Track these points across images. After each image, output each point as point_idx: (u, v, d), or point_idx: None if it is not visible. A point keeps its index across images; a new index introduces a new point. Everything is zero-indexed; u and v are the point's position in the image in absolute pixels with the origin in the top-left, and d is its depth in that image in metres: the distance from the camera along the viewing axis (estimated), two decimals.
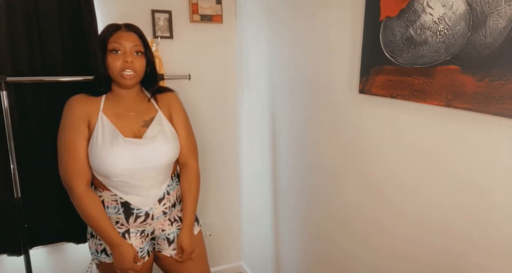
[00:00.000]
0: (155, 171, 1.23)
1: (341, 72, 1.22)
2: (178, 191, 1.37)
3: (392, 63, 0.97)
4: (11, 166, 1.62)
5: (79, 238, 1.89)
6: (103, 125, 1.18)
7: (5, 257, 1.80)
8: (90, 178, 1.23)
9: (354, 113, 1.18)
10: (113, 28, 1.19)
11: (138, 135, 1.23)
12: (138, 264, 1.26)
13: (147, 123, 1.25)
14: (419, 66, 0.89)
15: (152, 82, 1.31)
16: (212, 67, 2.07)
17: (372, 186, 1.14)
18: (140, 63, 1.20)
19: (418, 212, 0.97)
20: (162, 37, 1.93)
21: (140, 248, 1.29)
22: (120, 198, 1.21)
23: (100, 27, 1.79)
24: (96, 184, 1.25)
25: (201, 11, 1.97)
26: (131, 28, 1.22)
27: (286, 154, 1.67)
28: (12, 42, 1.61)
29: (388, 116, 1.04)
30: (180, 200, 1.39)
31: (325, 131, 1.35)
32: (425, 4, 0.86)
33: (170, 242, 1.35)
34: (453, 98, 0.81)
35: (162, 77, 1.83)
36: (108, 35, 1.18)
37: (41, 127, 1.72)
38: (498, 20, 0.71)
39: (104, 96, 1.25)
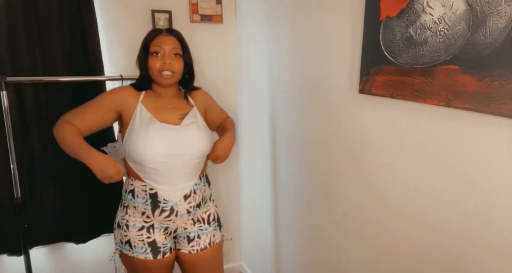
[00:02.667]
0: (186, 162, 1.29)
1: (341, 72, 1.22)
2: (204, 191, 1.41)
3: (392, 63, 0.97)
4: (11, 166, 1.62)
5: (79, 238, 1.90)
6: (141, 114, 1.27)
7: (5, 257, 1.80)
8: (80, 133, 1.29)
9: (354, 113, 1.18)
10: (155, 33, 1.30)
11: (175, 124, 1.31)
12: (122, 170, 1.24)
13: (183, 116, 1.33)
14: (419, 66, 0.89)
15: (188, 82, 1.40)
16: (212, 67, 2.07)
17: (372, 185, 1.14)
18: (178, 65, 1.28)
19: (418, 212, 0.97)
20: None
21: (163, 244, 1.35)
22: (150, 189, 1.27)
23: (100, 27, 1.80)
24: (129, 173, 1.33)
25: (201, 11, 1.97)
26: (171, 32, 1.31)
27: (286, 154, 1.67)
28: (12, 42, 1.61)
29: (388, 116, 1.04)
30: (205, 201, 1.43)
31: (325, 131, 1.35)
32: (425, 4, 0.86)
33: (189, 240, 1.39)
34: (453, 98, 0.81)
35: None
36: (150, 39, 1.28)
37: (41, 127, 1.72)
38: (498, 20, 0.71)
39: (144, 92, 1.34)
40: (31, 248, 1.77)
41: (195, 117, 1.34)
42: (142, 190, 1.29)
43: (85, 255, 2.05)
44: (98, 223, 1.92)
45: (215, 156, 1.39)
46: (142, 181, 1.29)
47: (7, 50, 1.60)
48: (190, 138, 1.29)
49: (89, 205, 1.88)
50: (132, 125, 1.25)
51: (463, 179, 0.84)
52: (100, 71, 1.78)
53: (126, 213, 1.35)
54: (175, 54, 1.28)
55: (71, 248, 1.99)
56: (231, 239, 1.68)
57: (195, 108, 1.38)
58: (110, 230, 1.98)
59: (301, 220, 1.61)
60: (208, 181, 1.46)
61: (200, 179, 1.39)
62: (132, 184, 1.31)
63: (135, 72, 1.93)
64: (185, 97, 1.40)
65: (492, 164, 0.77)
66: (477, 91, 0.76)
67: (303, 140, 1.50)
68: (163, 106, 1.32)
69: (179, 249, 1.42)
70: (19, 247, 1.70)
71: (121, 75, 1.77)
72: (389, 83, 0.98)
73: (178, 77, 1.32)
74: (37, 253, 1.91)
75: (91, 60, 1.74)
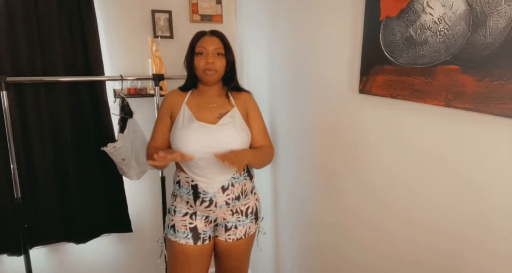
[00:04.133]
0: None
1: (341, 72, 1.22)
2: (244, 185, 1.45)
3: (392, 63, 0.96)
4: (11, 166, 1.62)
5: (79, 238, 1.90)
6: (184, 113, 1.40)
7: (5, 257, 1.80)
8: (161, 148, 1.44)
9: (354, 114, 1.18)
10: (199, 35, 1.41)
11: (212, 123, 1.39)
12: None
13: (221, 115, 1.41)
14: (419, 66, 0.89)
15: (231, 79, 1.48)
16: None
17: (372, 185, 1.14)
18: (220, 63, 1.38)
19: (417, 213, 0.97)
20: (162, 37, 1.94)
21: (203, 231, 1.44)
22: (192, 180, 1.39)
23: (100, 27, 1.80)
24: (176, 165, 1.46)
25: (201, 11, 1.97)
26: (214, 33, 1.41)
27: (285, 154, 1.67)
28: (12, 42, 1.61)
29: (388, 116, 1.04)
30: (246, 194, 1.47)
31: (325, 131, 1.35)
32: (425, 4, 0.86)
33: (227, 229, 1.47)
34: (453, 98, 0.81)
35: (162, 77, 1.83)
36: (195, 41, 1.40)
37: (41, 127, 1.72)
38: (498, 20, 0.71)
39: (190, 91, 1.47)
40: (31, 248, 1.77)
41: (233, 118, 1.41)
42: (185, 181, 1.41)
43: (85, 255, 2.05)
44: (98, 223, 1.92)
45: (223, 156, 1.34)
46: (186, 173, 1.40)
47: (7, 50, 1.61)
48: (224, 136, 1.37)
49: (89, 205, 1.88)
50: (176, 124, 1.39)
51: (463, 179, 0.84)
52: (100, 71, 1.78)
53: (175, 200, 1.47)
54: (218, 54, 1.38)
55: (71, 248, 1.99)
56: (265, 233, 1.75)
57: (235, 108, 1.44)
58: (110, 230, 1.99)
59: (301, 220, 1.61)
60: (250, 175, 1.50)
61: (240, 173, 1.44)
62: (178, 176, 1.44)
63: (135, 72, 1.94)
64: (227, 96, 1.47)
65: (492, 164, 0.77)
66: (477, 91, 0.76)
67: (303, 140, 1.50)
68: (205, 105, 1.43)
69: (216, 236, 1.50)
70: (19, 247, 1.70)
71: (121, 75, 1.77)
72: (389, 83, 0.98)
73: (221, 75, 1.41)
74: (37, 253, 1.91)
75: (91, 60, 1.75)
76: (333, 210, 1.36)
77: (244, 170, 1.46)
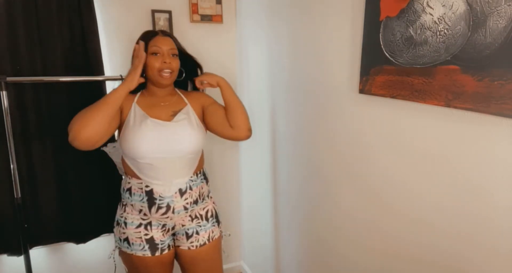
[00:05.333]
0: (178, 158, 1.31)
1: (341, 72, 1.22)
2: (202, 188, 1.41)
3: (392, 63, 0.97)
4: (11, 166, 1.62)
5: (79, 238, 1.90)
6: (135, 112, 1.32)
7: (5, 257, 1.80)
8: None
9: (354, 114, 1.18)
10: (151, 34, 1.34)
11: (166, 120, 1.34)
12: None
13: (175, 113, 1.36)
14: (419, 66, 0.89)
15: (194, 73, 1.45)
16: (212, 67, 2.06)
17: (371, 185, 1.14)
18: (175, 64, 1.34)
19: (417, 213, 0.97)
20: None
21: (161, 241, 1.37)
22: (146, 186, 1.31)
23: (100, 27, 1.80)
24: (127, 171, 1.37)
25: (201, 11, 1.97)
26: (165, 33, 1.37)
27: (286, 154, 1.67)
28: (12, 42, 1.61)
29: (388, 116, 1.04)
30: (203, 198, 1.43)
31: (325, 131, 1.35)
32: (425, 4, 0.86)
33: (188, 237, 1.41)
34: (453, 98, 0.81)
35: None
36: (147, 40, 1.32)
37: (41, 127, 1.72)
38: (498, 20, 0.71)
39: (139, 93, 1.39)
40: (31, 248, 1.77)
41: (187, 114, 1.36)
42: (138, 188, 1.32)
43: (85, 255, 2.05)
44: (98, 223, 1.92)
45: (202, 76, 1.41)
46: (138, 178, 1.32)
47: (7, 50, 1.60)
48: (181, 133, 1.31)
49: (89, 205, 1.88)
50: (127, 124, 1.30)
51: (463, 179, 0.84)
52: (100, 71, 1.78)
53: (125, 211, 1.38)
54: (173, 54, 1.33)
55: (71, 248, 1.99)
56: (229, 235, 1.69)
57: (189, 106, 1.40)
58: (110, 230, 1.98)
59: (301, 220, 1.61)
60: (206, 178, 1.46)
61: (197, 175, 1.40)
62: (129, 182, 1.35)
63: None
64: (179, 95, 1.42)
65: (492, 164, 0.77)
66: (477, 91, 0.76)
67: (303, 140, 1.50)
68: (157, 104, 1.36)
69: (178, 246, 1.43)
70: (19, 247, 1.70)
71: (121, 75, 1.77)
72: (389, 83, 0.98)
73: (175, 76, 1.36)
74: (37, 253, 1.91)
75: (91, 60, 1.74)
76: (333, 210, 1.36)
77: (200, 172, 1.42)
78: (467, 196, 0.83)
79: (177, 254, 1.46)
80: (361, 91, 1.10)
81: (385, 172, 1.07)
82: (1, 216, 1.71)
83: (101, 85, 1.80)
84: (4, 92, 1.56)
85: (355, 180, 1.21)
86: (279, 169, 1.76)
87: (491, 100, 0.73)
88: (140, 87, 1.37)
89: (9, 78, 1.56)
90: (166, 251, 1.39)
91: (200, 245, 1.42)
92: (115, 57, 1.89)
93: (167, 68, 1.30)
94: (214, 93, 1.49)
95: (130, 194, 1.34)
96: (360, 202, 1.20)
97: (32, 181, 1.74)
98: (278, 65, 1.65)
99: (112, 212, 1.94)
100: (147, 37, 1.34)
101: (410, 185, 0.99)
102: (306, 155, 1.50)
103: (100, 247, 2.07)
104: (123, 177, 1.41)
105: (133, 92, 1.36)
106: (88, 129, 1.17)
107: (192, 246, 1.41)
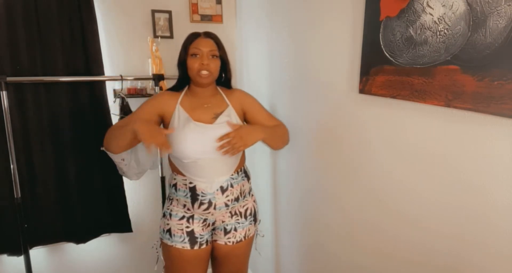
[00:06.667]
0: (219, 157, 1.35)
1: (341, 72, 1.22)
2: (243, 185, 1.44)
3: (392, 63, 0.97)
4: (11, 166, 1.62)
5: (79, 238, 1.90)
6: (179, 114, 1.37)
7: (5, 257, 1.80)
8: None
9: (354, 114, 1.18)
10: (194, 36, 1.39)
11: (209, 123, 1.38)
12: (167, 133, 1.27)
13: (217, 115, 1.39)
14: (419, 66, 0.89)
15: (226, 80, 1.48)
16: None
17: (371, 185, 1.14)
18: (214, 65, 1.36)
19: (417, 212, 0.97)
20: (162, 37, 1.94)
21: (200, 235, 1.42)
22: (190, 182, 1.37)
23: (100, 27, 1.80)
24: (172, 168, 1.44)
25: (201, 11, 1.97)
26: (208, 35, 1.40)
27: (285, 154, 1.67)
28: (12, 42, 1.61)
29: (388, 116, 1.04)
30: (244, 195, 1.46)
31: (325, 131, 1.35)
32: (425, 4, 0.86)
33: (226, 232, 1.46)
34: (453, 98, 0.81)
35: (162, 77, 1.83)
36: (189, 42, 1.37)
37: (41, 127, 1.72)
38: (498, 20, 0.71)
39: (183, 92, 1.43)
40: (31, 248, 1.77)
41: (228, 117, 1.40)
42: (183, 184, 1.39)
43: (85, 255, 2.05)
44: (98, 223, 1.92)
45: (228, 134, 1.33)
46: (183, 175, 1.38)
47: (7, 50, 1.61)
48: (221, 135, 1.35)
49: (89, 205, 1.88)
50: (172, 126, 1.37)
51: (463, 179, 0.84)
52: (100, 71, 1.78)
53: (171, 204, 1.44)
54: (212, 56, 1.37)
55: (71, 248, 1.99)
56: (263, 235, 1.73)
57: (230, 107, 1.43)
58: (110, 230, 1.99)
59: (301, 220, 1.61)
60: (247, 176, 1.49)
61: (238, 173, 1.43)
62: (174, 179, 1.42)
63: (135, 72, 1.94)
64: (222, 96, 1.45)
65: (492, 164, 0.77)
66: (477, 91, 0.76)
67: (303, 140, 1.50)
68: (200, 106, 1.40)
69: (215, 240, 1.48)
70: (19, 247, 1.70)
71: (121, 75, 1.77)
72: (389, 83, 0.98)
73: (215, 77, 1.40)
74: (37, 253, 1.91)
75: (91, 60, 1.75)
76: (333, 211, 1.36)
77: (241, 170, 1.45)
78: (467, 195, 0.83)
79: (213, 248, 1.51)
80: (361, 91, 1.10)
81: (384, 171, 1.07)
82: (1, 216, 1.71)
83: (101, 85, 1.80)
84: (4, 92, 1.56)
85: (355, 180, 1.21)
86: (278, 169, 1.76)
87: (491, 100, 0.73)
88: (183, 87, 1.44)
89: (9, 78, 1.56)
90: (204, 246, 1.43)
91: (237, 242, 1.47)
92: (115, 57, 1.90)
93: (204, 69, 1.34)
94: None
95: (176, 189, 1.41)
96: (360, 202, 1.20)
97: (32, 181, 1.74)
98: (278, 65, 1.65)
99: (112, 212, 1.95)
100: (188, 41, 1.38)
101: (410, 185, 0.99)
102: (306, 155, 1.50)
103: (100, 247, 2.07)
104: (170, 173, 1.47)
105: (176, 91, 1.43)
106: (112, 147, 1.34)
107: (229, 241, 1.46)
